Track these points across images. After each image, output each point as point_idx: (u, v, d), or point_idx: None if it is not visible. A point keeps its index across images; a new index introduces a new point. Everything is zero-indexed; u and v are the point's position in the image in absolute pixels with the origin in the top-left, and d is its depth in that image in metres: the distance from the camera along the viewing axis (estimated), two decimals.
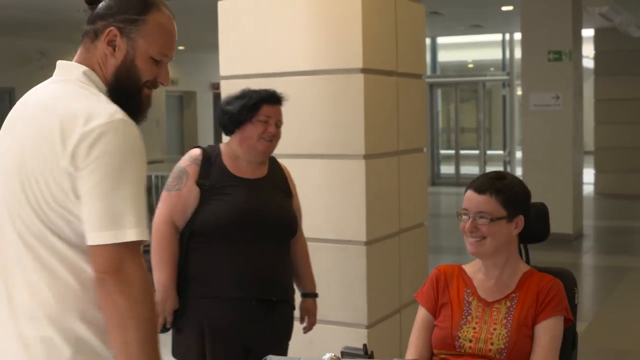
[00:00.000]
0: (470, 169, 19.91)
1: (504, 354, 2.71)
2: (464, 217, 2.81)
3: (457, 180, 19.29)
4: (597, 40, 16.33)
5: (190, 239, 3.39)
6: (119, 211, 1.96)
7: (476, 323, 2.80)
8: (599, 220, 13.78)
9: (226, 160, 3.47)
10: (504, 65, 19.92)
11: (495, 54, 20.36)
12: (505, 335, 2.73)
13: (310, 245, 4.56)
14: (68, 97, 2.06)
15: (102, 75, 2.16)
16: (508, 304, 2.80)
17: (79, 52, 2.20)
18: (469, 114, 20.89)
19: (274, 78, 4.77)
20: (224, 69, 5.09)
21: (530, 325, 2.74)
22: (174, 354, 3.53)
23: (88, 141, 1.95)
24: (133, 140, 2.01)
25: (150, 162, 16.22)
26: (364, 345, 2.26)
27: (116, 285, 1.95)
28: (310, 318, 3.77)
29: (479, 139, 20.13)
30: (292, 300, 3.63)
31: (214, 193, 3.37)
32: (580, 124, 11.59)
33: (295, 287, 3.74)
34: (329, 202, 4.72)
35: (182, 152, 19.19)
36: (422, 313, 2.96)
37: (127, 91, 2.17)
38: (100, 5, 2.18)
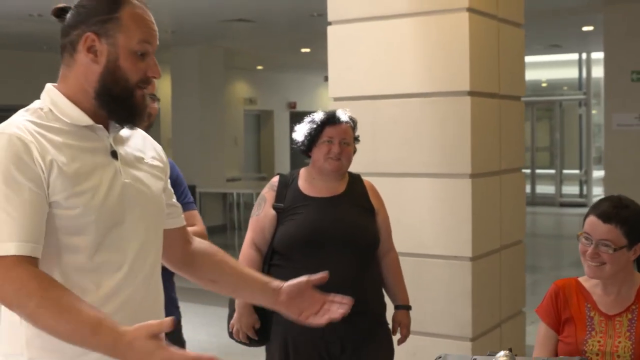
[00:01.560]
0: (547, 188, 19.87)
1: None
2: (584, 240, 2.92)
3: (533, 200, 19.27)
4: None
5: (272, 257, 3.64)
6: None
7: (600, 337, 2.94)
8: None
9: (302, 182, 3.71)
10: (580, 85, 19.86)
11: (570, 73, 20.31)
12: (631, 347, 2.87)
13: (417, 261, 4.76)
14: None
15: (83, 91, 2.08)
16: (629, 316, 2.94)
17: (61, 71, 2.15)
18: (543, 133, 20.85)
19: (382, 100, 5.00)
20: (333, 91, 5.31)
21: None
22: None
23: None
24: None
25: (229, 180, 16.58)
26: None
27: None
28: (402, 330, 3.88)
29: (555, 157, 20.11)
30: (378, 312, 3.75)
31: (287, 214, 3.62)
32: None
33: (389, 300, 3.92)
34: (436, 219, 4.90)
35: (259, 171, 19.66)
36: (543, 329, 3.10)
37: (117, 95, 2.08)
38: (70, 15, 2.11)
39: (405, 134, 4.95)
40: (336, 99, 5.26)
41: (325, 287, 3.50)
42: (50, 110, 2.05)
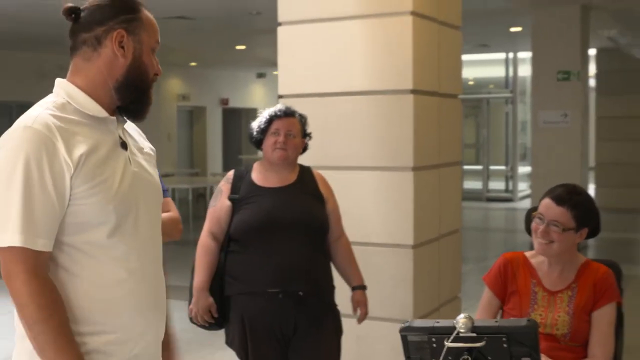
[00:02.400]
0: (474, 184, 20.43)
1: (568, 337, 3.20)
2: (537, 220, 3.26)
3: (462, 195, 19.72)
4: (599, 59, 16.88)
5: (229, 244, 3.91)
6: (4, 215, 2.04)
7: (542, 311, 3.27)
8: (601, 232, 14.26)
9: (255, 174, 3.99)
10: (507, 83, 20.45)
11: (496, 72, 20.89)
12: (568, 321, 3.21)
13: (362, 249, 5.06)
14: None
15: (103, 83, 2.22)
16: (570, 293, 3.27)
17: (73, 65, 2.25)
18: (470, 130, 21.39)
19: (330, 97, 5.29)
20: (282, 88, 5.56)
21: (589, 312, 3.22)
22: (227, 342, 4.04)
23: None
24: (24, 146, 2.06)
25: (162, 175, 16.63)
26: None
27: (9, 291, 2.07)
28: (362, 309, 4.13)
29: (481, 154, 20.67)
30: (327, 295, 4.01)
31: (242, 204, 3.89)
32: (587, 140, 12.12)
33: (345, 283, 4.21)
34: (381, 210, 5.21)
35: (192, 166, 19.73)
36: (489, 295, 3.42)
37: (138, 87, 2.25)
38: (88, 14, 2.24)
39: (352, 130, 5.25)
40: (285, 96, 5.52)
41: (279, 271, 3.79)
42: (69, 102, 2.19)
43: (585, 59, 11.63)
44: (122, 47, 2.21)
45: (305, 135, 4.04)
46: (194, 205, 17.71)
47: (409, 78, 5.16)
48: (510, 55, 19.94)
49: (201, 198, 17.84)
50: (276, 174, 3.91)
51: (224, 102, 22.71)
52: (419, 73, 5.21)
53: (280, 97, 5.53)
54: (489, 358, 2.26)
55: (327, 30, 5.38)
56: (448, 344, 2.26)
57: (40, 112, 2.12)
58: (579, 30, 11.21)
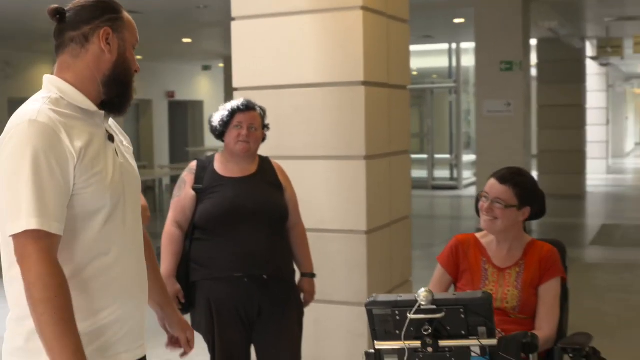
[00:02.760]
0: (419, 172, 20.75)
1: (517, 310, 3.45)
2: (483, 198, 3.53)
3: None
4: (540, 49, 17.28)
5: (193, 232, 4.08)
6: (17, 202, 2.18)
7: (493, 286, 3.51)
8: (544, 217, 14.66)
9: (217, 165, 4.15)
10: (450, 73, 20.80)
11: (440, 62, 21.21)
12: (517, 295, 3.46)
13: (318, 236, 5.24)
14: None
15: (91, 78, 2.37)
16: (517, 269, 3.53)
17: (61, 62, 2.40)
18: (415, 119, 21.69)
19: (284, 89, 5.46)
20: (237, 81, 5.71)
21: (535, 286, 3.48)
22: (193, 327, 4.19)
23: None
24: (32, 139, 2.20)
25: None
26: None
27: (21, 272, 2.20)
28: (306, 296, 4.34)
29: (426, 143, 21.00)
30: (289, 278, 4.20)
31: (206, 193, 4.06)
32: (529, 129, 12.45)
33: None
34: (334, 197, 5.41)
35: (139, 159, 19.71)
36: (441, 272, 3.66)
37: (124, 81, 2.43)
38: (74, 14, 2.39)
39: (305, 121, 5.43)
40: (240, 89, 5.67)
41: (243, 257, 3.96)
42: (62, 97, 2.33)
43: (527, 49, 11.94)
44: (109, 44, 2.38)
45: (264, 127, 4.21)
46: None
47: (360, 70, 5.35)
48: (454, 45, 20.26)
49: (149, 191, 17.89)
50: (237, 164, 4.08)
51: (170, 95, 22.73)
52: (369, 65, 5.41)
53: (235, 89, 5.68)
54: (448, 328, 2.46)
55: (280, 24, 5.54)
56: (411, 315, 2.45)
57: (40, 107, 2.26)
58: (521, 21, 11.49)
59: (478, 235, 3.67)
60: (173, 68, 22.51)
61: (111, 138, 2.42)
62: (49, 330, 2.16)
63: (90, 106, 2.37)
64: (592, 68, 21.32)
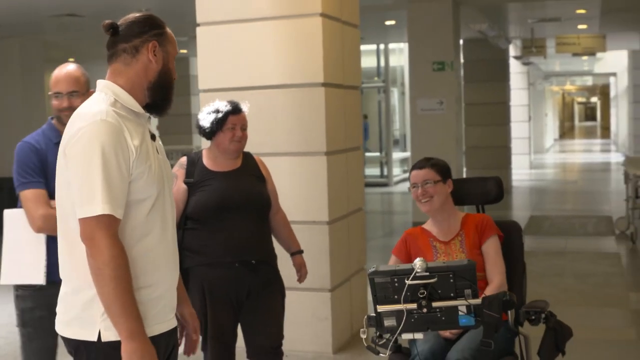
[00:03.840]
0: None
1: None
2: (413, 188, 4.05)
3: None
4: (466, 49, 17.92)
5: (185, 223, 4.43)
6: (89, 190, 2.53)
7: (444, 257, 4.00)
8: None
9: (206, 160, 4.48)
10: (379, 73, 21.33)
11: (368, 62, 21.73)
12: (465, 258, 3.91)
13: None
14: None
15: (139, 85, 2.72)
16: (459, 238, 4.03)
17: (113, 69, 2.75)
18: None
19: (248, 91, 5.84)
20: (203, 83, 6.08)
21: (478, 246, 3.98)
22: None
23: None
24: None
25: None
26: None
27: (90, 251, 2.53)
28: (302, 270, 4.73)
29: None
30: (273, 262, 4.54)
31: (197, 187, 4.41)
32: (461, 126, 13.02)
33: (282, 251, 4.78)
34: (298, 191, 5.82)
35: None
36: (393, 260, 4.12)
37: (166, 87, 2.77)
38: (126, 27, 2.74)
39: (270, 120, 5.83)
40: (205, 91, 6.05)
41: (233, 244, 4.33)
42: (116, 100, 2.67)
43: (457, 50, 12.49)
44: (155, 55, 2.74)
45: None
46: None
47: (320, 73, 5.79)
48: (382, 46, 20.80)
49: None
50: (225, 160, 4.44)
51: None
52: (328, 68, 5.85)
53: (202, 91, 6.05)
54: (439, 291, 2.88)
55: (244, 30, 5.93)
56: (408, 282, 2.87)
57: (106, 108, 2.61)
58: (452, 23, 12.02)
59: (423, 225, 4.18)
60: (104, 70, 22.42)
61: (153, 137, 2.80)
62: (118, 302, 2.51)
63: (139, 108, 2.73)
64: (514, 67, 22.10)
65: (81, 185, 2.54)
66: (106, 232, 2.52)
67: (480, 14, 13.54)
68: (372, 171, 21.60)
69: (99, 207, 2.51)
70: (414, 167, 4.08)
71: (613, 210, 13.83)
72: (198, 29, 6.06)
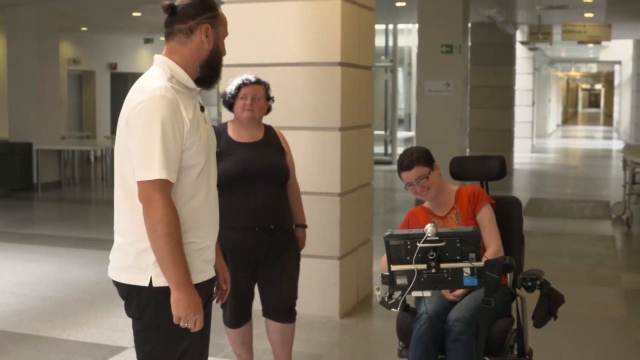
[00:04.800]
0: None
1: None
2: (410, 188, 4.32)
3: None
4: (474, 33, 18.20)
5: None
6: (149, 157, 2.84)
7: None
8: None
9: (230, 131, 4.81)
10: (387, 52, 21.61)
11: (377, 42, 21.99)
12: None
13: None
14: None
15: (193, 62, 3.01)
16: (455, 211, 4.36)
17: (170, 47, 3.03)
18: None
19: (268, 67, 6.17)
20: (226, 58, 6.37)
21: (473, 217, 4.30)
22: None
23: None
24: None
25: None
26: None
27: (146, 210, 2.86)
28: (300, 243, 5.01)
29: None
30: (290, 227, 4.89)
31: (222, 156, 4.72)
32: (466, 108, 13.36)
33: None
34: (313, 163, 6.16)
35: (82, 129, 19.97)
36: None
37: (216, 66, 3.08)
38: (183, 9, 3.00)
39: (288, 96, 6.14)
40: (228, 65, 6.34)
41: (254, 210, 4.68)
42: (172, 76, 2.97)
43: (465, 34, 12.81)
44: (207, 37, 3.04)
45: (269, 98, 4.91)
46: (86, 166, 18.26)
47: (337, 52, 6.13)
48: (390, 26, 21.06)
49: (98, 161, 18.37)
50: (247, 131, 4.78)
51: (113, 66, 23.10)
52: (345, 48, 6.18)
53: (225, 66, 6.35)
54: (447, 254, 3.23)
55: (266, 9, 6.26)
56: (420, 244, 3.22)
57: (165, 84, 2.92)
58: (461, 7, 12.35)
59: (423, 204, 4.51)
60: (115, 40, 22.88)
61: (202, 109, 3.14)
62: (169, 256, 2.85)
63: (191, 84, 3.05)
64: (520, 52, 22.39)
65: (141, 152, 2.86)
66: (161, 194, 2.85)
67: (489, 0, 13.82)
68: (377, 149, 21.86)
69: (156, 172, 2.83)
70: (402, 169, 4.31)
71: (611, 195, 14.20)
72: (223, 7, 6.36)
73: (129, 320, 3.08)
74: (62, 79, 20.27)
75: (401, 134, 22.15)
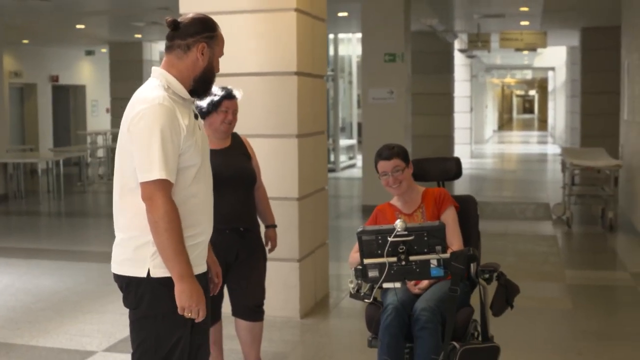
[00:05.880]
0: None
1: None
2: (383, 177, 4.57)
3: None
4: (414, 41, 18.57)
5: None
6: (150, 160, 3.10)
7: None
8: None
9: None
10: (328, 62, 21.89)
11: None
12: None
13: None
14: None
15: (187, 76, 3.25)
16: (421, 210, 4.62)
17: (168, 59, 3.27)
18: None
19: (228, 77, 6.35)
20: None
21: (438, 217, 4.55)
22: None
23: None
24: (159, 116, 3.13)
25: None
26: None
27: (149, 208, 3.12)
28: (272, 243, 5.28)
29: None
30: (257, 230, 5.11)
31: None
32: (409, 115, 13.69)
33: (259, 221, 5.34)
34: (272, 169, 6.36)
35: (24, 142, 19.80)
36: None
37: (209, 80, 3.32)
38: (184, 26, 3.26)
39: (247, 104, 6.29)
40: None
41: (225, 213, 4.88)
42: (168, 87, 3.23)
43: (407, 42, 13.13)
44: (203, 54, 3.29)
45: None
46: (30, 179, 18.18)
47: (294, 62, 6.37)
48: (331, 36, 21.36)
49: (41, 174, 18.27)
50: (216, 139, 4.99)
51: (54, 79, 23.03)
52: (300, 58, 6.43)
53: None
54: (415, 247, 3.49)
55: (225, 21, 6.29)
56: (391, 239, 3.47)
57: (162, 94, 3.18)
58: (403, 17, 12.68)
59: (390, 201, 4.76)
60: (57, 53, 22.82)
61: (196, 116, 3.38)
62: (171, 249, 3.10)
63: (186, 95, 3.30)
64: (458, 59, 22.88)
65: (143, 155, 3.12)
66: (162, 193, 3.11)
67: (429, 9, 14.20)
68: None
69: (157, 173, 3.09)
70: (382, 158, 4.57)
71: (550, 197, 14.67)
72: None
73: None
74: (3, 92, 20.17)
75: (343, 142, 22.45)
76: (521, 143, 37.27)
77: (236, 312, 5.00)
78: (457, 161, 4.82)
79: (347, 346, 6.13)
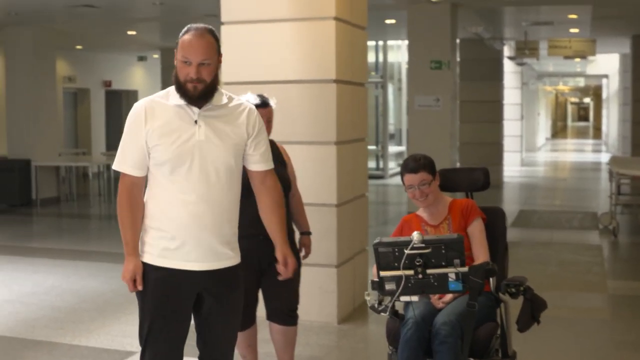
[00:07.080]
0: None
1: None
2: (410, 190, 4.57)
3: None
4: (462, 49, 18.57)
5: None
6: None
7: None
8: None
9: None
10: (377, 69, 21.95)
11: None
12: None
13: None
14: None
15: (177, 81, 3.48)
16: (447, 222, 4.60)
17: None
18: None
19: (267, 85, 6.47)
20: (226, 76, 6.71)
21: (465, 229, 4.54)
22: None
23: None
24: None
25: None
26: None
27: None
28: (306, 249, 5.34)
29: None
30: (292, 236, 5.11)
31: None
32: (456, 122, 13.67)
33: (295, 228, 5.40)
34: (311, 176, 6.44)
35: (77, 146, 20.17)
36: None
37: (179, 85, 3.45)
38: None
39: (286, 111, 6.43)
40: (228, 83, 6.67)
41: (259, 219, 4.94)
42: (168, 92, 3.53)
43: (454, 50, 13.14)
44: (175, 60, 3.50)
45: None
46: (82, 183, 18.48)
47: (332, 70, 6.45)
48: (380, 43, 21.39)
49: (95, 177, 18.58)
50: None
51: (107, 84, 23.39)
52: (339, 66, 6.50)
53: (225, 84, 6.68)
54: (433, 260, 3.49)
55: (265, 29, 6.58)
56: (407, 251, 3.48)
57: (150, 97, 3.56)
58: (449, 24, 12.69)
59: (417, 212, 4.75)
60: (110, 58, 23.18)
61: (195, 122, 3.49)
62: (121, 232, 3.56)
63: (178, 101, 3.49)
64: (508, 67, 22.75)
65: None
66: (120, 181, 3.54)
67: (476, 17, 14.17)
68: (369, 164, 22.04)
69: (115, 164, 3.55)
70: (408, 171, 4.56)
71: (599, 206, 14.54)
72: (222, 27, 6.68)
73: (136, 327, 3.53)
74: (57, 97, 20.55)
75: (392, 148, 22.46)
76: (574, 151, 36.87)
77: (270, 316, 5.07)
78: (485, 171, 4.80)
79: (384, 352, 6.14)
